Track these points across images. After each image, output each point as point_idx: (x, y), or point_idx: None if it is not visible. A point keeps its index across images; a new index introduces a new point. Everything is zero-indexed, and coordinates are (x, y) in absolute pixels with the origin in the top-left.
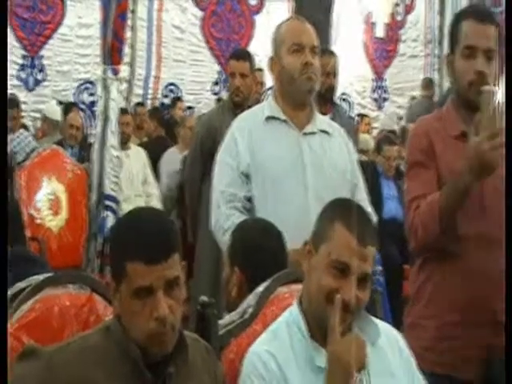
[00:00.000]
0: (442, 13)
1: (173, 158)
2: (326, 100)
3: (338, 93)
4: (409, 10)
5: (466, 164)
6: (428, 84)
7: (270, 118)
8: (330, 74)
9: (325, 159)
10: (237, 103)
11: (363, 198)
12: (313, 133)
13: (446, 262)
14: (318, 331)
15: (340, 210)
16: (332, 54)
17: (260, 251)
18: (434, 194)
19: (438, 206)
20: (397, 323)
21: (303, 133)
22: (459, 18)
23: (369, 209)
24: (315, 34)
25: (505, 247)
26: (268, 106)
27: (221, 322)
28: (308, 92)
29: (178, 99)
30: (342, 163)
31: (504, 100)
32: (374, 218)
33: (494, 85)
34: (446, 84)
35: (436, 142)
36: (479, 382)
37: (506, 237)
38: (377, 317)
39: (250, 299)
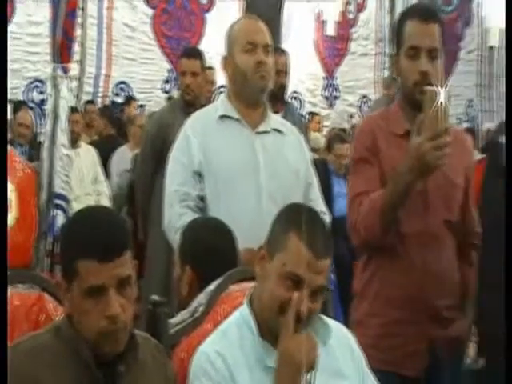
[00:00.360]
0: (392, 11)
1: (123, 157)
2: (277, 98)
3: (288, 91)
4: (360, 8)
5: (407, 163)
6: (389, 83)
7: (223, 117)
8: (281, 72)
9: (278, 158)
10: (188, 102)
11: (317, 197)
12: (266, 132)
13: (390, 260)
14: (269, 331)
15: (295, 219)
16: (283, 52)
17: (211, 250)
18: (376, 193)
19: (379, 205)
20: (348, 321)
21: (256, 132)
22: (403, 17)
23: (323, 208)
24: (269, 33)
25: (505, 247)
26: (221, 104)
27: (172, 320)
28: (261, 91)
29: (131, 98)
30: (296, 162)
31: (504, 99)
32: (328, 217)
33: (439, 84)
34: (397, 83)
35: (380, 140)
36: (423, 378)
37: (505, 236)
38: (328, 315)
39: (201, 298)
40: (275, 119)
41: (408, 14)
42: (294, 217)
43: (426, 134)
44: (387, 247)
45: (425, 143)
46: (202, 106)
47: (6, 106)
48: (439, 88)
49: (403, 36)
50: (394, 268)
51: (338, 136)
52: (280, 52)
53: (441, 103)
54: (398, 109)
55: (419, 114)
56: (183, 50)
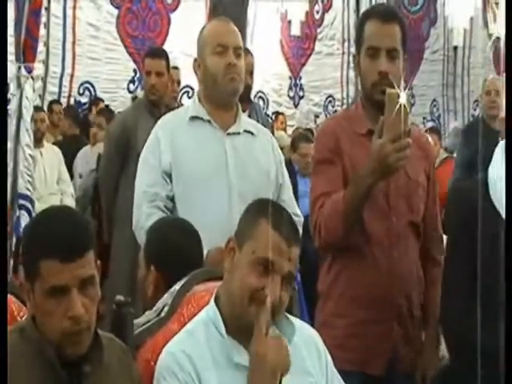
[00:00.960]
0: (357, 11)
1: (88, 157)
2: (243, 98)
3: (254, 91)
4: (327, 8)
5: (368, 165)
6: None
7: (193, 118)
8: (246, 72)
9: (249, 160)
10: (152, 101)
11: (289, 198)
12: (237, 133)
13: (354, 260)
14: (237, 329)
15: (265, 208)
16: (248, 52)
17: (175, 250)
18: (338, 194)
19: (341, 207)
20: (313, 320)
21: (227, 133)
22: (364, 18)
23: (296, 209)
24: (239, 35)
25: (504, 245)
26: (192, 106)
27: (137, 321)
28: (232, 93)
29: (98, 99)
30: (266, 164)
31: (504, 100)
32: (301, 220)
33: (398, 85)
34: None
35: (343, 140)
36: (387, 377)
37: (505, 234)
38: (293, 314)
39: (167, 298)
40: (247, 121)
41: (368, 14)
42: (263, 207)
43: (387, 135)
44: (352, 248)
45: (386, 145)
46: (167, 106)
47: (6, 106)
48: (400, 90)
49: (363, 36)
50: (359, 268)
51: (303, 135)
52: (245, 52)
53: (402, 105)
54: (360, 108)
55: (381, 116)
56: (147, 50)
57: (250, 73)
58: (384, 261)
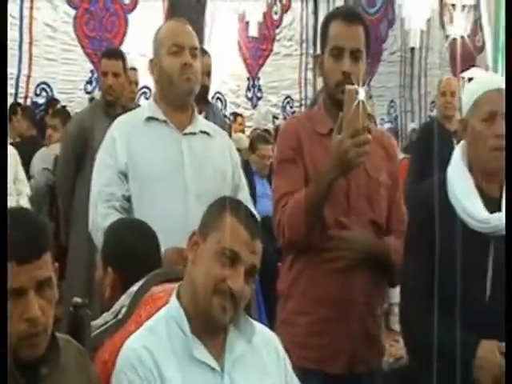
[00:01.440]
0: (316, 12)
1: (44, 158)
2: (200, 99)
3: (212, 92)
4: (285, 9)
5: (329, 162)
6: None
7: (149, 119)
8: (203, 73)
9: (205, 160)
10: (109, 102)
11: (246, 200)
12: (193, 133)
13: (315, 259)
14: (199, 323)
15: (230, 203)
16: (205, 53)
17: (133, 252)
18: (300, 193)
19: (303, 204)
20: (272, 321)
21: (183, 133)
22: (328, 19)
23: (253, 210)
24: (195, 36)
25: (505, 246)
26: (148, 107)
27: (94, 323)
28: (188, 94)
29: (54, 100)
30: (223, 165)
31: (504, 101)
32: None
33: (360, 84)
34: (320, 83)
35: (304, 140)
36: (348, 376)
37: (506, 234)
38: (251, 315)
39: (124, 299)
40: (203, 121)
41: (333, 15)
42: (229, 202)
43: (346, 131)
44: (313, 246)
45: (345, 141)
46: (124, 106)
47: (6, 107)
48: (359, 86)
49: (328, 37)
50: (320, 267)
51: (261, 137)
52: (202, 53)
53: (360, 101)
54: (323, 108)
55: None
56: (104, 51)
57: (208, 73)
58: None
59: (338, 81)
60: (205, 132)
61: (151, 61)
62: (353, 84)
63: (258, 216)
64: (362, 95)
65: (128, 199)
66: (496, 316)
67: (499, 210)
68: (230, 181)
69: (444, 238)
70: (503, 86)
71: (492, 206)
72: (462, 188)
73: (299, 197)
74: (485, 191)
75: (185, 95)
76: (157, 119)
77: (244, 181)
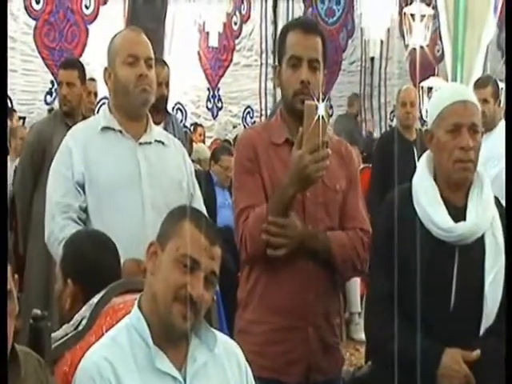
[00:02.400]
0: (275, 23)
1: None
2: (158, 110)
3: (172, 102)
4: (245, 19)
5: (288, 176)
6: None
7: (105, 129)
8: (162, 83)
9: (161, 169)
10: (66, 112)
11: (201, 208)
12: (149, 143)
13: (271, 268)
14: (160, 333)
15: (187, 211)
16: (164, 63)
17: (93, 263)
18: (261, 207)
19: (265, 219)
20: (232, 332)
21: (139, 143)
22: (286, 29)
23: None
24: (150, 46)
25: (505, 247)
26: (103, 116)
27: (54, 334)
28: (143, 104)
29: (12, 110)
30: (179, 173)
31: (504, 103)
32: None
33: (319, 95)
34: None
35: (261, 151)
36: None
37: (506, 235)
38: (212, 325)
39: (84, 311)
40: (158, 131)
41: (291, 25)
42: (186, 210)
43: (306, 147)
44: (270, 256)
45: (305, 156)
46: (84, 117)
47: (6, 107)
48: (319, 101)
49: (285, 46)
50: (276, 275)
51: (224, 148)
52: (160, 64)
53: (320, 117)
54: (279, 119)
55: (300, 126)
56: (61, 62)
57: (166, 84)
58: (299, 270)
59: (296, 90)
60: (160, 141)
61: (105, 70)
62: (311, 94)
63: (215, 225)
64: (321, 110)
65: (85, 210)
66: (461, 324)
67: (464, 219)
68: (185, 190)
69: (409, 247)
70: (470, 98)
71: (457, 215)
72: (427, 197)
73: (260, 211)
74: (450, 201)
75: (140, 106)
76: (112, 129)
77: (198, 190)
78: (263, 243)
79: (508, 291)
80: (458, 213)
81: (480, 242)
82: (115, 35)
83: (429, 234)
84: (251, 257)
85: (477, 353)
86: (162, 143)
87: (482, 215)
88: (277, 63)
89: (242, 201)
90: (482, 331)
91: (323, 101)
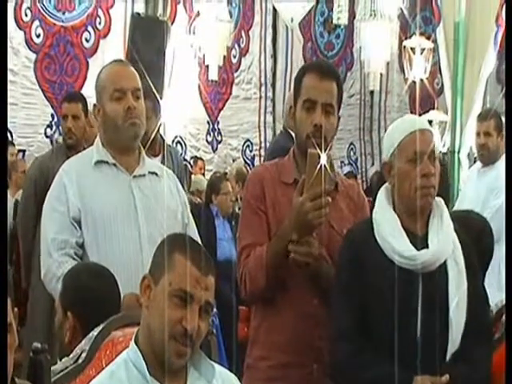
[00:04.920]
0: (274, 56)
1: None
2: (155, 142)
3: (171, 135)
4: (244, 53)
5: (289, 222)
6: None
7: (99, 163)
8: (156, 116)
9: (156, 201)
10: (70, 145)
11: (195, 238)
12: (143, 175)
13: (276, 306)
14: (157, 367)
15: (178, 242)
16: (155, 96)
17: (93, 295)
18: (262, 248)
19: (265, 261)
20: (232, 366)
21: (133, 176)
22: (303, 71)
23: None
24: (137, 77)
25: (505, 247)
26: (96, 150)
27: (54, 367)
28: (133, 138)
29: (11, 144)
30: (173, 204)
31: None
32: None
33: (331, 139)
34: (280, 126)
35: (268, 189)
36: None
37: (506, 236)
38: (211, 359)
39: (84, 344)
40: (151, 162)
41: (307, 68)
42: (176, 240)
43: (307, 194)
44: (274, 294)
45: (306, 203)
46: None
47: (6, 108)
48: (322, 151)
49: (301, 88)
50: (280, 314)
51: (221, 177)
52: (153, 97)
53: (323, 166)
54: (292, 158)
55: (303, 175)
56: (65, 95)
57: (149, 118)
58: (301, 307)
59: (309, 133)
60: (153, 172)
61: (94, 106)
62: (322, 137)
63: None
64: (323, 159)
65: (81, 245)
66: (428, 351)
67: (426, 246)
68: (180, 220)
69: (373, 277)
70: (427, 127)
71: (418, 243)
72: (388, 228)
73: (260, 252)
74: (410, 230)
75: (130, 139)
76: (106, 162)
77: (191, 218)
78: (263, 283)
79: (508, 292)
80: (419, 241)
81: (442, 268)
82: (101, 70)
83: (391, 263)
84: (250, 296)
85: (446, 377)
86: (156, 174)
87: (444, 242)
88: (292, 104)
89: (245, 238)
90: (448, 356)
91: (325, 150)
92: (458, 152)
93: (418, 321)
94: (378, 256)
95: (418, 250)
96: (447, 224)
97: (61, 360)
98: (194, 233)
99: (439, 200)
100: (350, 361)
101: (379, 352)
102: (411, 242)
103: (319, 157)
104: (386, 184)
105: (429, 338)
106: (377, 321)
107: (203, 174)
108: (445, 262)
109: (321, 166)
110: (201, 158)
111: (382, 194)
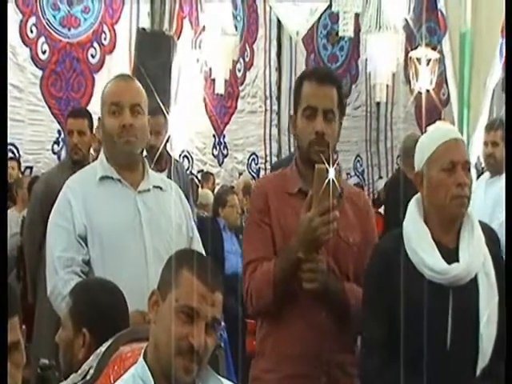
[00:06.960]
0: (279, 69)
1: (11, 219)
2: (161, 157)
3: (178, 150)
4: (248, 66)
5: (297, 238)
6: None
7: (103, 178)
8: (162, 132)
9: (161, 215)
10: (76, 161)
11: (199, 251)
12: (147, 190)
13: (283, 318)
14: (165, 383)
15: (185, 258)
16: (162, 111)
17: (108, 311)
18: (268, 264)
19: (272, 277)
20: (240, 380)
21: (138, 191)
22: (301, 79)
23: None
24: (139, 92)
25: (505, 248)
26: (100, 165)
27: None
28: (128, 155)
29: (18, 160)
30: (178, 217)
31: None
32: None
33: (333, 146)
34: (285, 139)
35: (273, 200)
36: None
37: (506, 237)
38: (219, 373)
39: (92, 360)
40: (155, 176)
41: (306, 75)
42: (184, 256)
43: (315, 209)
44: (281, 307)
45: (314, 219)
46: None
47: (6, 109)
48: (330, 165)
49: (301, 96)
50: (287, 326)
51: (227, 190)
52: (160, 112)
53: (331, 180)
54: (295, 168)
55: (310, 190)
56: (70, 111)
57: (157, 133)
58: (309, 320)
59: (311, 140)
60: (158, 186)
61: (99, 119)
62: (325, 144)
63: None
64: (331, 174)
65: (87, 263)
66: (457, 365)
67: (456, 260)
68: (185, 233)
69: (403, 290)
70: (460, 136)
71: (449, 256)
72: (419, 241)
73: (267, 268)
74: (441, 243)
75: (126, 156)
76: (111, 178)
77: (196, 231)
78: (269, 299)
79: (508, 293)
80: (450, 254)
81: (473, 282)
82: (106, 84)
83: (422, 276)
84: (257, 311)
85: None
86: (160, 188)
87: (475, 255)
88: (292, 112)
89: (250, 252)
90: (478, 372)
91: (328, 157)
92: None
93: (448, 335)
94: (408, 269)
95: (448, 263)
96: (478, 236)
97: (68, 377)
98: (198, 246)
99: (470, 212)
100: (379, 374)
101: (408, 366)
102: (442, 255)
103: (327, 171)
104: (417, 196)
105: (459, 353)
106: (406, 335)
107: (213, 190)
108: (475, 276)
109: (329, 180)
110: (211, 173)
111: (412, 205)
